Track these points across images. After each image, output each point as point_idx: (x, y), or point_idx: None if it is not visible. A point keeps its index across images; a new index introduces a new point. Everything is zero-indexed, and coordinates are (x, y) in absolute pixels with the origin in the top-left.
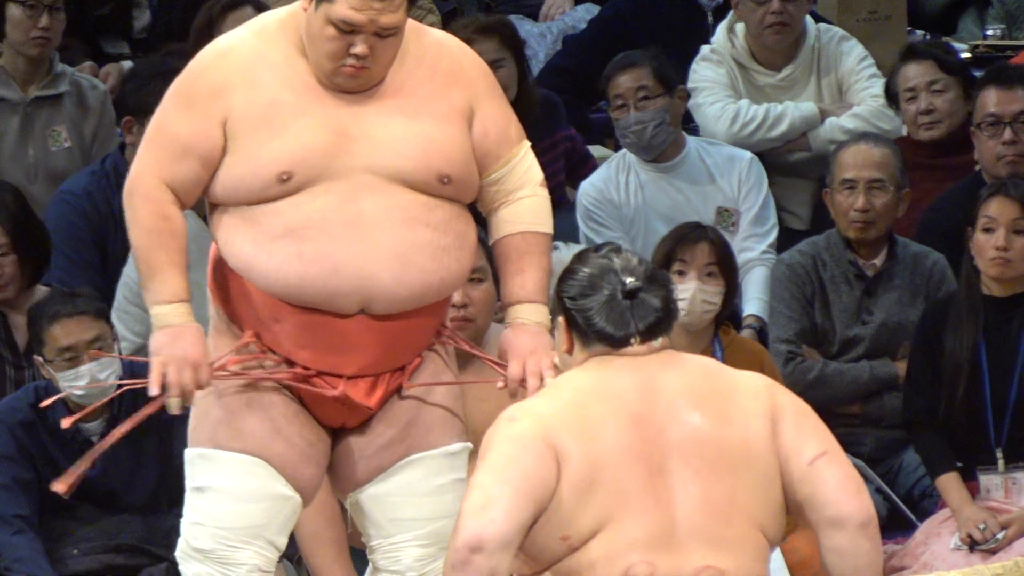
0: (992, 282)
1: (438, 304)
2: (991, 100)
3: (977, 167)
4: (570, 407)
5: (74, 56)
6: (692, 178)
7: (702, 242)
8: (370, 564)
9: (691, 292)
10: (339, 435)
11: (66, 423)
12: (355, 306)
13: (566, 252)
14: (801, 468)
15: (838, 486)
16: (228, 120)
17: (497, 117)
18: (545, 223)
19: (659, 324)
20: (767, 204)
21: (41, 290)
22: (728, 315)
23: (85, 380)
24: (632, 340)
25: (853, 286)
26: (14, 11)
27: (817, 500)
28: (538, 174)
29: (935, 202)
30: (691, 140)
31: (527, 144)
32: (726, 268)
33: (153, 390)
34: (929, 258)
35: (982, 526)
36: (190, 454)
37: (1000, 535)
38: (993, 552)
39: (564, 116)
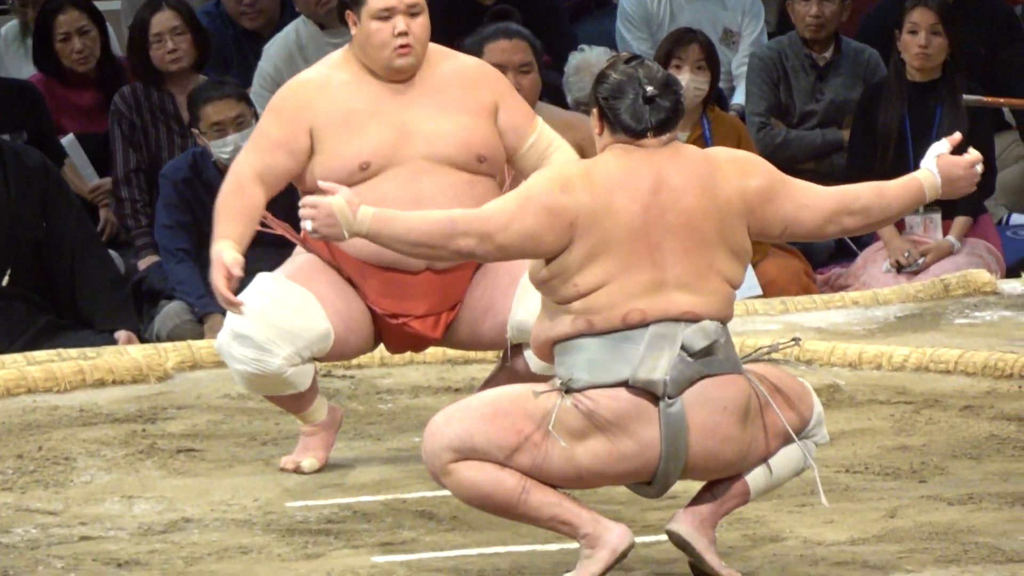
0: (915, 71)
1: None
2: None
3: None
4: (603, 195)
5: None
6: (709, 2)
7: (693, 43)
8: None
9: (685, 82)
10: (453, 335)
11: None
12: (422, 265)
13: (590, 53)
14: (779, 227)
15: (815, 214)
16: (314, 127)
17: (518, 108)
18: None
19: (668, 122)
20: (763, 31)
21: (202, 78)
22: (714, 97)
23: (231, 147)
24: (648, 134)
25: (809, 73)
26: None
27: (811, 223)
28: (555, 134)
29: (871, 11)
30: None
31: (539, 117)
32: (711, 63)
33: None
34: (866, 52)
35: (907, 253)
36: (260, 275)
37: (920, 261)
38: (915, 274)
39: None
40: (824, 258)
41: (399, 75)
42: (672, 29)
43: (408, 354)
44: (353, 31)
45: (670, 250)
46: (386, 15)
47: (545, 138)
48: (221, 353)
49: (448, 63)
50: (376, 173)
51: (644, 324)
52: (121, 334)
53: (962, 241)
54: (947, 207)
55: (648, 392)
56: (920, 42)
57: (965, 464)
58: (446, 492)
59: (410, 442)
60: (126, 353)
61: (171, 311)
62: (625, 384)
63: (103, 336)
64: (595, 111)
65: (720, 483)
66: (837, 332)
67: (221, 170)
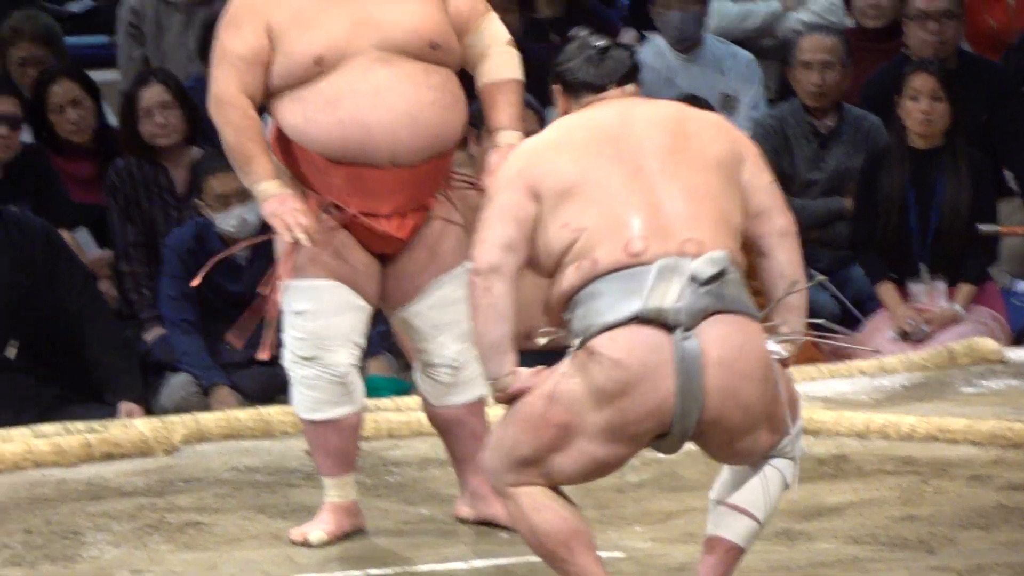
0: (917, 138)
1: (445, 154)
2: None
3: (904, 50)
4: (556, 138)
5: None
6: (706, 68)
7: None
8: (416, 363)
9: None
10: (383, 264)
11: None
12: (386, 159)
13: None
14: (762, 184)
15: (784, 206)
16: (270, 27)
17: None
18: (512, 71)
19: (629, 72)
20: (761, 95)
21: (195, 150)
22: None
23: (236, 220)
24: (609, 86)
25: (811, 141)
26: None
27: (773, 210)
28: (503, 35)
29: (872, 77)
30: (708, 37)
31: (493, 13)
32: None
33: (288, 238)
34: (868, 120)
35: (912, 322)
36: (284, 285)
37: (925, 329)
38: (921, 342)
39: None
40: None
41: None
42: (667, 96)
43: (416, 426)
44: None
45: (658, 172)
46: None
47: (485, 39)
48: (293, 381)
49: None
50: (332, 68)
51: (648, 257)
52: (124, 406)
53: (967, 309)
54: (952, 275)
55: (661, 325)
56: (922, 108)
57: (974, 534)
58: (455, 564)
59: (418, 514)
60: (133, 426)
61: (177, 383)
62: (637, 319)
63: (110, 409)
64: (556, 88)
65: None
66: (843, 401)
67: (225, 241)
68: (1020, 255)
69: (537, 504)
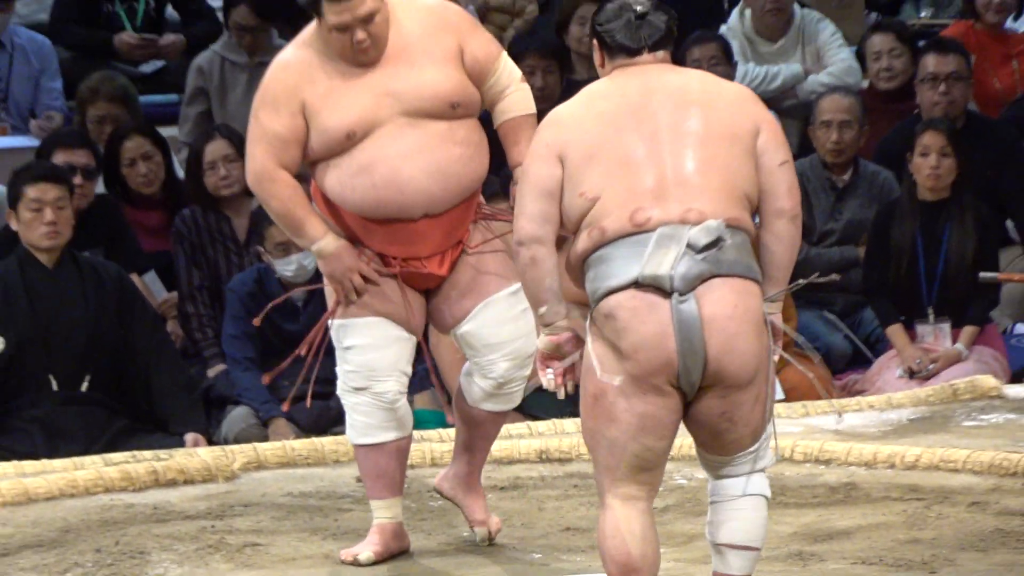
0: (927, 191)
1: (473, 194)
2: (931, 62)
3: (916, 111)
4: (582, 106)
5: (291, 34)
6: None
7: None
8: (465, 366)
9: None
10: (429, 296)
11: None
12: (420, 213)
13: None
14: (771, 166)
15: (788, 189)
16: (305, 106)
17: (481, 46)
18: (528, 107)
19: (663, 39)
20: None
21: (256, 200)
22: None
23: (294, 266)
24: (643, 50)
25: (828, 194)
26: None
27: (774, 193)
28: (517, 73)
29: (886, 135)
30: None
31: (504, 54)
32: None
33: (343, 302)
34: (881, 174)
35: (918, 361)
36: (335, 324)
37: (931, 367)
38: (926, 379)
39: None
40: (842, 365)
41: (364, 64)
42: None
43: None
44: (317, 23)
45: (670, 143)
46: (344, 29)
47: (504, 80)
48: (346, 409)
49: (409, 14)
50: (363, 138)
51: (651, 226)
52: (189, 436)
53: (970, 349)
54: (956, 317)
55: (659, 290)
56: (931, 163)
57: (973, 556)
58: None
59: (459, 536)
60: (196, 455)
61: (238, 416)
62: (636, 284)
63: (175, 439)
64: (594, 43)
65: None
66: (854, 434)
67: (284, 285)
68: (1020, 300)
69: (613, 529)
